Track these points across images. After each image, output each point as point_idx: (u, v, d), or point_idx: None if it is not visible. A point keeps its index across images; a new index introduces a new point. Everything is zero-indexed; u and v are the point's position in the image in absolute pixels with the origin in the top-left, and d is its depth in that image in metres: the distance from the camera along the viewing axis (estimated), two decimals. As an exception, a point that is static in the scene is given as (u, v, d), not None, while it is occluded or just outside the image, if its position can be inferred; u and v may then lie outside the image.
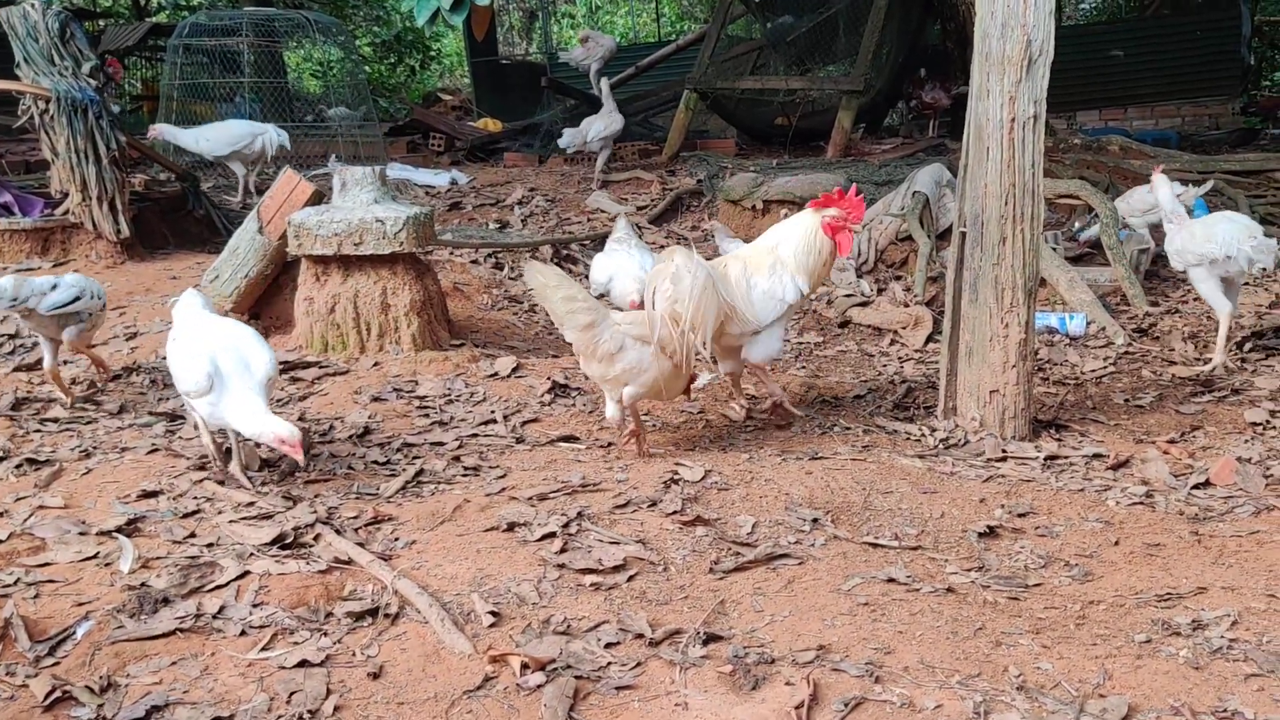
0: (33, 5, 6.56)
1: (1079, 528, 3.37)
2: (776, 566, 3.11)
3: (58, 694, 2.45)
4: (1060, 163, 8.84)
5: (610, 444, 4.21)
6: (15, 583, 2.94)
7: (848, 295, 6.67)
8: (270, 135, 8.82)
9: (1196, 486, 3.67)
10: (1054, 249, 6.56)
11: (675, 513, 3.48)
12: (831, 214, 4.24)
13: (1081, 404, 4.69)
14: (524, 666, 2.53)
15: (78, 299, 4.40)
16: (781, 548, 3.21)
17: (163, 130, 9.03)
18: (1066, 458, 4.01)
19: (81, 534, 3.25)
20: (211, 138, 8.75)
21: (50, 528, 3.29)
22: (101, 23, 17.28)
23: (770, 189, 8.06)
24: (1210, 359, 5.09)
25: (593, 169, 10.07)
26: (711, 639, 2.67)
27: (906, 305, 6.29)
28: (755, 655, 2.57)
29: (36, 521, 3.36)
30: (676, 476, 3.78)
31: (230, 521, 3.39)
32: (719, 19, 11.53)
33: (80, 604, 2.85)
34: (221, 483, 3.67)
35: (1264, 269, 5.09)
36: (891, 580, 2.99)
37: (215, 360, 3.60)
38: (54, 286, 4.38)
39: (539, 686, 2.46)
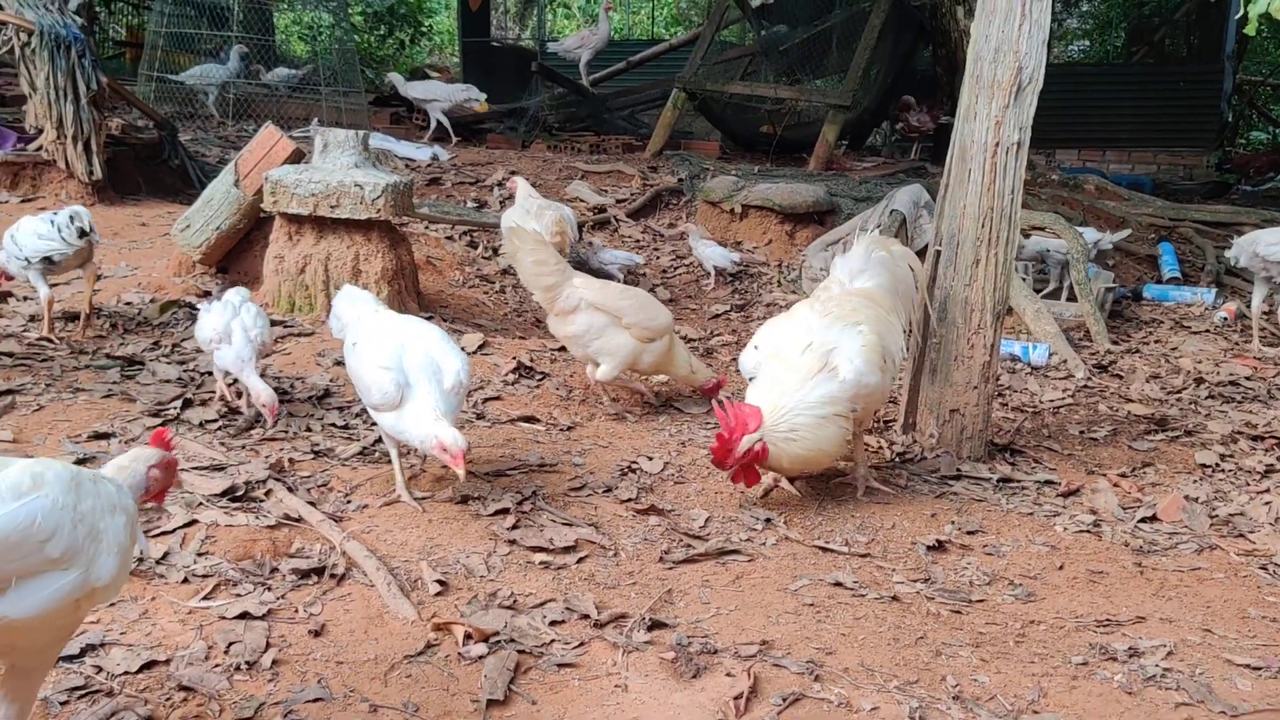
0: (22, -65, 6.44)
1: (1026, 549, 3.41)
2: (726, 561, 3.12)
3: (-10, 625, 2.41)
4: (1037, 196, 8.96)
5: (570, 427, 4.21)
6: (-44, 511, 2.88)
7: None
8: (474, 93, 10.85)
9: (1143, 520, 3.73)
10: (1023, 279, 6.64)
11: (630, 500, 3.48)
12: None
13: (1038, 431, 4.76)
14: (467, 637, 2.52)
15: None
16: (733, 544, 3.23)
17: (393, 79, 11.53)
18: (1019, 481, 4.06)
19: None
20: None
21: (-4, 460, 3.23)
22: (90, -37, 16.96)
23: (750, 194, 8.09)
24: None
25: (576, 159, 10.07)
26: (656, 626, 2.68)
27: (875, 321, 6.33)
28: (699, 645, 2.58)
29: (-19, 453, 3.30)
30: (634, 465, 3.79)
31: (181, 470, 3.34)
32: (714, 22, 11.56)
33: (21, 538, 2.80)
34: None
35: None
36: (838, 584, 3.01)
37: (404, 368, 3.21)
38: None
39: (480, 658, 2.46)
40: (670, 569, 3.04)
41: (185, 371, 4.32)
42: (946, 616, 2.89)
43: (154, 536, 2.89)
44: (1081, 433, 4.77)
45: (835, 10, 11.56)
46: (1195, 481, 4.16)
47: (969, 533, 3.50)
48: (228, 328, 3.82)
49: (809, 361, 3.51)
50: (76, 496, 1.72)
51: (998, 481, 4.02)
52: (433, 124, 10.87)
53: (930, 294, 4.28)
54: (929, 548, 3.35)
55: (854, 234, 7.24)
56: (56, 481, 1.70)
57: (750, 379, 3.67)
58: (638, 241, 8.01)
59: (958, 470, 4.07)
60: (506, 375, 4.71)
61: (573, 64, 13.01)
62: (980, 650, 2.70)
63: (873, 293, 3.87)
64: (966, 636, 2.77)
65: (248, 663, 2.37)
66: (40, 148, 6.47)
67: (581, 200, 8.81)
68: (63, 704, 2.19)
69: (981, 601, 3.01)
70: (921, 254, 6.79)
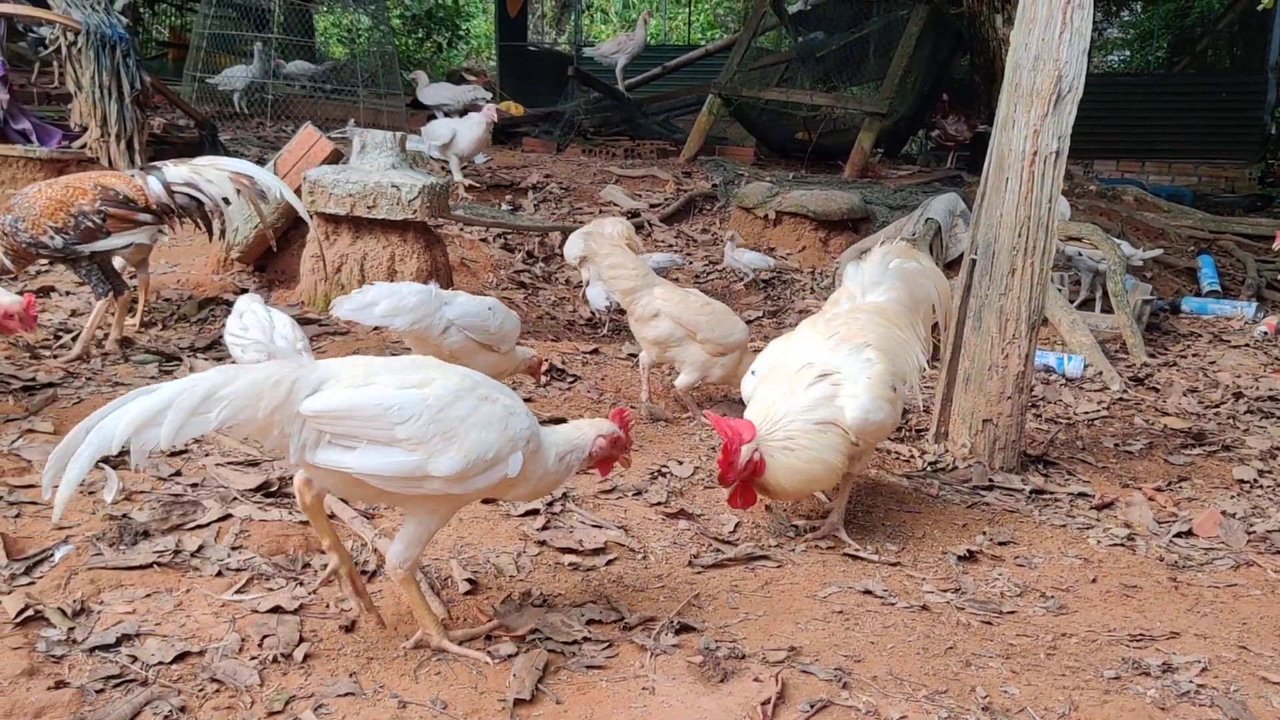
0: (71, -64, 6.54)
1: (1058, 562, 3.38)
2: (755, 567, 3.12)
3: (30, 613, 2.45)
4: (1074, 207, 8.87)
5: (601, 431, 4.22)
6: (-3, 500, 2.94)
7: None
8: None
9: (1179, 535, 3.69)
10: (1059, 290, 6.59)
11: (660, 504, 3.49)
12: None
13: (1071, 444, 4.71)
14: (491, 638, 2.53)
15: None
16: (762, 549, 3.22)
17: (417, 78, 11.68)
18: (1052, 493, 4.02)
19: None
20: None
21: (37, 451, 3.29)
22: (135, -35, 17.22)
23: (785, 200, 8.08)
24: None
25: (610, 163, 10.09)
26: (684, 629, 2.68)
27: (908, 329, 6.29)
28: (726, 650, 2.58)
29: (25, 444, 3.36)
30: (665, 469, 3.79)
31: (217, 465, 3.39)
32: (751, 28, 11.56)
33: (60, 528, 2.85)
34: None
35: None
36: (868, 592, 3.00)
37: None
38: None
39: (509, 656, 2.47)
40: (699, 573, 3.04)
41: (222, 368, 4.37)
42: (977, 627, 2.87)
43: (189, 530, 2.93)
44: (1116, 445, 4.72)
45: (873, 17, 11.52)
46: (1232, 497, 4.11)
47: (1000, 544, 3.48)
48: (270, 334, 3.72)
49: (805, 376, 3.27)
50: (448, 405, 2.22)
51: (1030, 493, 3.99)
52: None
53: (964, 302, 4.26)
54: (960, 558, 3.32)
55: (887, 240, 7.22)
56: (441, 389, 2.24)
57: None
58: (671, 246, 8.02)
59: (990, 481, 4.04)
60: (540, 377, 4.72)
61: (609, 69, 13.05)
62: (1010, 662, 2.68)
63: (886, 307, 3.62)
64: (997, 648, 2.75)
65: (282, 655, 2.39)
66: (84, 145, 6.56)
67: (616, 204, 8.83)
68: (98, 692, 2.22)
69: (1012, 613, 2.99)
70: (956, 263, 6.77)
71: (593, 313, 6.08)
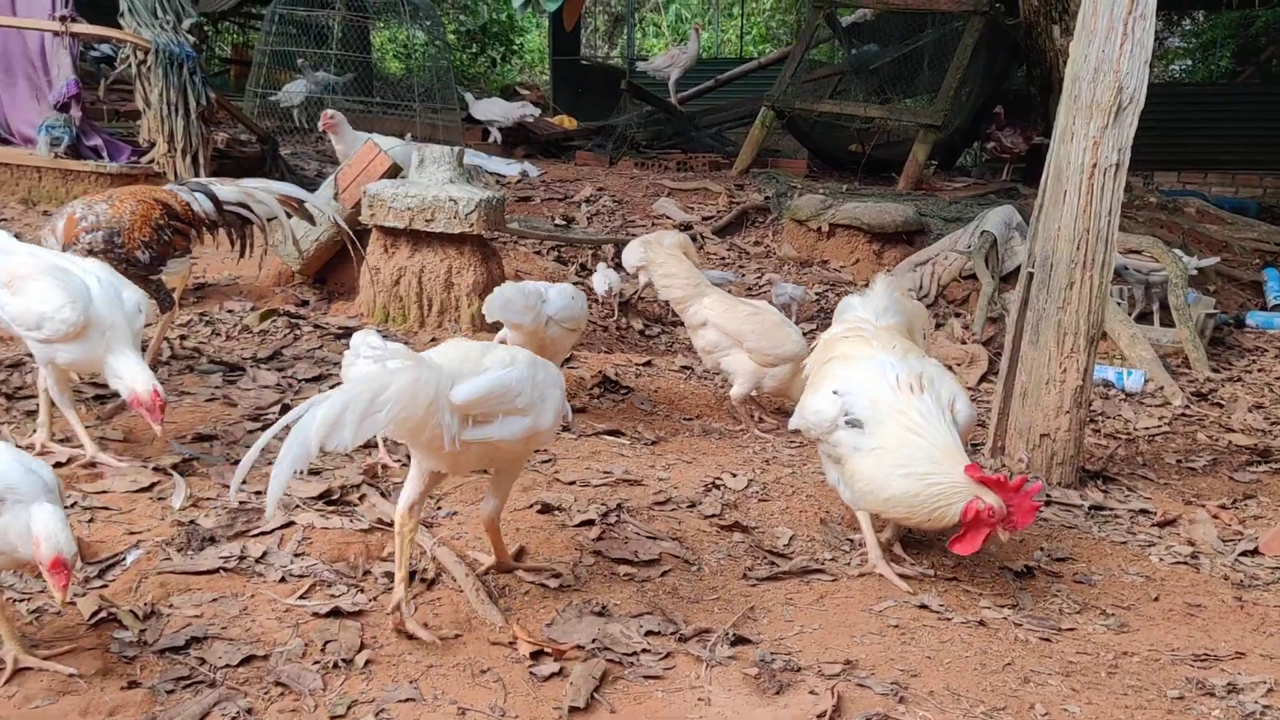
0: (141, -43, 6.75)
1: (1118, 579, 3.34)
2: (810, 580, 3.11)
3: (103, 614, 2.53)
4: (1134, 219, 8.74)
5: (655, 442, 4.24)
6: (72, 506, 3.03)
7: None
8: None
9: (1244, 554, 3.62)
10: (1119, 304, 6.49)
11: (714, 516, 3.50)
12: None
13: (1132, 459, 4.64)
14: (541, 653, 2.55)
15: None
16: (817, 563, 3.22)
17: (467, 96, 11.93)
18: (1112, 510, 3.97)
19: (140, 467, 3.34)
20: None
21: (106, 459, 3.38)
22: (200, -16, 17.64)
23: (838, 213, 8.05)
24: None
25: (663, 176, 10.17)
26: (740, 641, 2.68)
27: (963, 342, 6.25)
28: (782, 662, 2.58)
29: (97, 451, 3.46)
30: (718, 481, 3.80)
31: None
32: (804, 41, 11.55)
33: (131, 533, 2.93)
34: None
35: None
36: (924, 607, 2.98)
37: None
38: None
39: (558, 672, 2.49)
40: (753, 586, 3.05)
41: (284, 378, 4.46)
42: (1035, 644, 2.84)
43: (253, 537, 2.99)
44: (1179, 461, 4.65)
45: (927, 29, 11.45)
46: (1300, 515, 4.02)
47: (1058, 560, 3.44)
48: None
49: (929, 400, 3.10)
50: (534, 375, 2.68)
51: (1089, 509, 3.94)
52: (493, 139, 11.53)
53: (1022, 316, 4.22)
54: (1017, 574, 3.29)
55: (942, 254, 7.17)
56: (525, 362, 2.70)
57: (848, 423, 3.11)
58: (723, 259, 8.03)
59: (1047, 496, 4.00)
60: (592, 389, 4.77)
61: (661, 82, 13.11)
62: (1070, 679, 2.65)
63: (897, 329, 3.58)
64: (1056, 665, 2.72)
65: (344, 660, 2.44)
66: (152, 160, 6.75)
67: (668, 217, 8.87)
68: (169, 693, 2.29)
69: (1072, 630, 2.95)
70: (1012, 276, 6.70)
71: (599, 297, 6.28)
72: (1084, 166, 3.98)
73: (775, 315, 4.55)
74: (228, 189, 4.39)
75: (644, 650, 2.59)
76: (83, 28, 7.00)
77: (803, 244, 8.22)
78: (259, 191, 4.44)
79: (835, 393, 3.18)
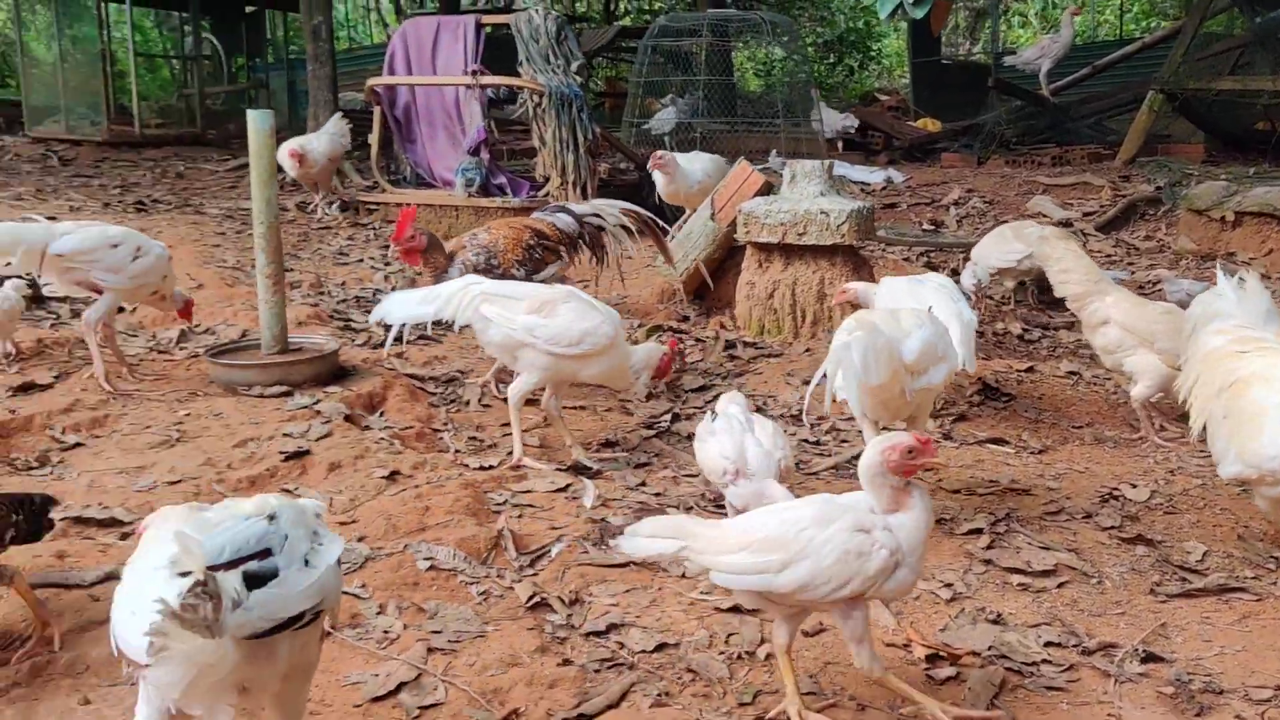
0: (536, 10, 7.49)
1: None
2: (1229, 599, 2.89)
3: (537, 599, 2.86)
4: None
5: (1041, 450, 4.09)
6: (504, 503, 3.44)
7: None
8: None
9: None
10: None
11: (1113, 528, 3.33)
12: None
13: None
14: (935, 657, 2.57)
15: None
16: (1237, 581, 2.98)
17: None
18: None
19: (557, 471, 3.73)
20: None
21: (529, 462, 3.81)
22: (577, 26, 19.14)
23: (1245, 199, 7.30)
24: None
25: (1036, 172, 9.68)
26: (1150, 658, 2.56)
27: None
28: (1201, 683, 2.43)
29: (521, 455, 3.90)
30: (1116, 492, 3.61)
31: (672, 477, 3.72)
32: (1197, 14, 10.55)
33: (553, 528, 3.28)
34: None
35: None
36: (1373, 635, 2.67)
37: None
38: None
39: (963, 669, 2.50)
40: (1163, 602, 2.88)
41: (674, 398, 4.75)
42: None
43: (657, 534, 3.24)
44: None
45: (1351, -15, 10.08)
46: None
47: None
48: (741, 452, 3.06)
49: None
50: (936, 325, 3.37)
51: None
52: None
53: None
54: None
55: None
56: (929, 319, 3.36)
57: None
58: (1109, 256, 7.53)
59: None
60: (971, 396, 4.67)
61: (1031, 75, 12.49)
62: None
63: None
64: None
65: (746, 653, 2.60)
66: (547, 194, 7.45)
67: (1044, 215, 8.46)
68: (595, 671, 2.56)
69: None
70: None
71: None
72: None
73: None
74: (581, 206, 5.13)
75: (1044, 660, 2.53)
76: (489, 79, 7.87)
77: (1203, 236, 7.52)
78: (605, 206, 5.12)
79: None
